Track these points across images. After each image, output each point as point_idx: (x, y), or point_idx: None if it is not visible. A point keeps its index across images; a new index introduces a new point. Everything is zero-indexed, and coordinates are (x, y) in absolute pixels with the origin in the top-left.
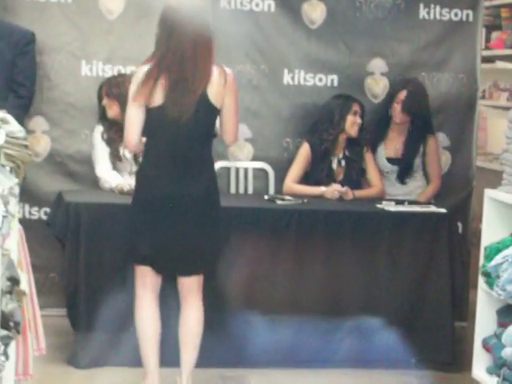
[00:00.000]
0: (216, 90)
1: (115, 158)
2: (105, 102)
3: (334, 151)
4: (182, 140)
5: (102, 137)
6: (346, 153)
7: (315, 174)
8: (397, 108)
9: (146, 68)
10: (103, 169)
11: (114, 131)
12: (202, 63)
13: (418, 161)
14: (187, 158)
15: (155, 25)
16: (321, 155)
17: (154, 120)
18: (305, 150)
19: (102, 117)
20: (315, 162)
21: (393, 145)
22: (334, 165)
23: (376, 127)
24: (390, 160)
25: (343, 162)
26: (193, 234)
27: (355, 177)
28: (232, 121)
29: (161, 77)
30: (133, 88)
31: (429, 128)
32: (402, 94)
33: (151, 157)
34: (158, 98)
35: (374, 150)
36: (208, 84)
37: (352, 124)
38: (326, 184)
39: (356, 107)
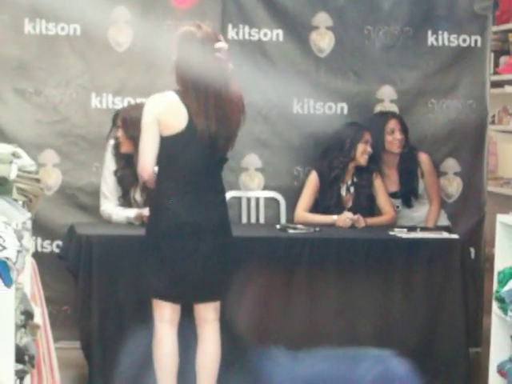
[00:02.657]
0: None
1: (125, 202)
2: (119, 134)
3: (343, 178)
4: (198, 167)
5: (115, 174)
6: (355, 179)
7: (324, 201)
8: (394, 137)
9: (165, 97)
10: (111, 206)
11: (129, 174)
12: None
13: (421, 184)
14: (204, 185)
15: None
16: (329, 182)
17: (170, 148)
18: (313, 178)
19: (115, 147)
20: (324, 190)
21: (389, 179)
22: (343, 192)
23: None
24: (391, 195)
25: (352, 189)
26: (208, 260)
27: (364, 203)
28: None
29: (182, 105)
30: (149, 117)
31: (413, 146)
32: (391, 123)
33: (166, 185)
34: (178, 126)
35: None
36: None
37: (362, 153)
38: (336, 211)
39: (367, 136)
